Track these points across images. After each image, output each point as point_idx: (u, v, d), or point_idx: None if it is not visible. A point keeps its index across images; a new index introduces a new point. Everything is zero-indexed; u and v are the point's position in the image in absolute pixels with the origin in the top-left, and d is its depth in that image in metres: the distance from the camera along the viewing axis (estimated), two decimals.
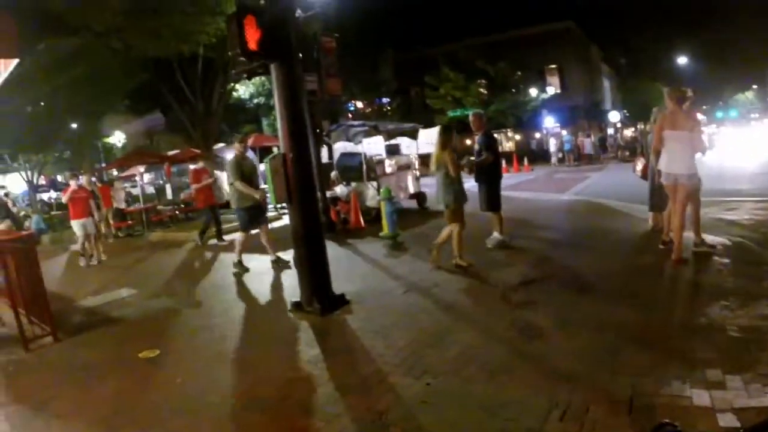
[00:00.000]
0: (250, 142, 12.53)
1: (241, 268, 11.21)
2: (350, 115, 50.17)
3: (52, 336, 8.16)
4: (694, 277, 8.05)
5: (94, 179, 20.69)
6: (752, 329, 5.79)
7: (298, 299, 8.10)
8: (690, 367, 4.98)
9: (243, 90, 37.20)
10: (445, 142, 9.77)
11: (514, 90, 48.27)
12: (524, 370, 5.37)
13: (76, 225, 14.23)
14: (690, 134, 8.50)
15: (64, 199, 14.46)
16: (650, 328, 6.13)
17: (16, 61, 7.09)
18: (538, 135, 52.92)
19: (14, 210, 19.42)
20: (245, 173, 11.06)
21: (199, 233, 15.90)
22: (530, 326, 6.56)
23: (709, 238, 9.16)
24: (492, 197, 10.80)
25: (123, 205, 21.35)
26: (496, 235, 10.90)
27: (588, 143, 43.47)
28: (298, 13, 13.06)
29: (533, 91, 48.80)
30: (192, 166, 18.70)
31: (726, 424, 4.07)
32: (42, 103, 24.38)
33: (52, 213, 31.23)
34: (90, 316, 9.29)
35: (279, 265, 11.13)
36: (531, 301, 7.53)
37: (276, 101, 7.94)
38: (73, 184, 14.45)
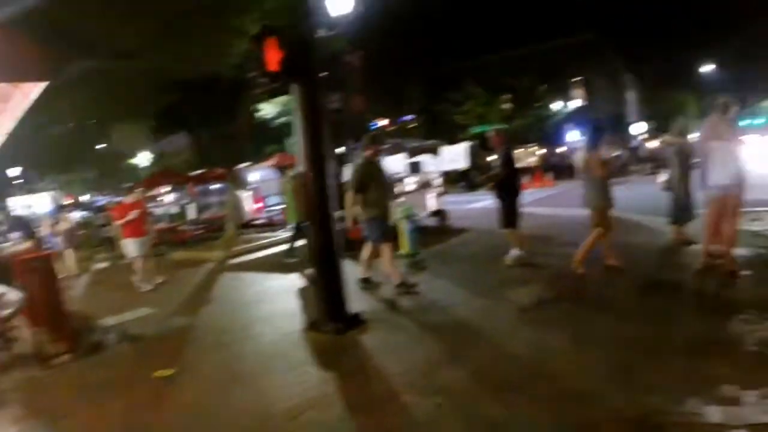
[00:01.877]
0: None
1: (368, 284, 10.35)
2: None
3: (70, 354, 8.28)
4: (715, 290, 8.00)
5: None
6: None
7: (314, 319, 8.16)
8: (705, 383, 4.95)
9: (268, 109, 37.43)
10: (593, 143, 9.85)
11: (538, 104, 48.17)
12: (536, 389, 5.34)
13: (132, 244, 13.08)
14: (734, 143, 8.43)
15: (123, 221, 13.03)
16: (667, 344, 6.11)
17: (44, 84, 7.19)
18: (562, 149, 52.70)
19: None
20: (367, 182, 9.69)
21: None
22: (545, 345, 6.53)
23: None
24: (509, 213, 10.78)
25: None
26: (514, 251, 10.85)
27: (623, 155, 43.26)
28: (323, 31, 13.16)
29: (557, 105, 48.69)
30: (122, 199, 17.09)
31: None
32: (70, 124, 24.73)
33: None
34: (109, 335, 9.34)
35: (403, 290, 9.72)
36: (546, 320, 7.50)
37: (298, 120, 8.01)
38: (130, 198, 13.56)
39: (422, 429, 4.85)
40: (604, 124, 10.90)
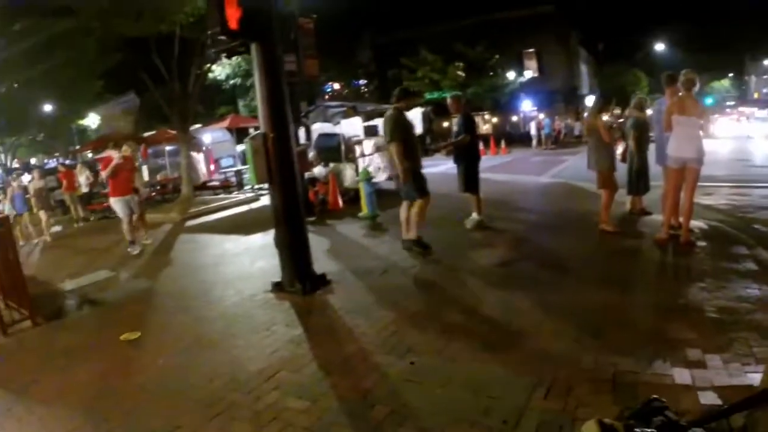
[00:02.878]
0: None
1: (420, 247, 9.45)
2: (327, 97, 49.98)
3: (30, 320, 8.04)
4: (673, 259, 8.19)
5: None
6: (729, 310, 5.91)
7: (279, 279, 8.07)
8: (670, 347, 5.06)
9: (220, 71, 36.86)
10: (598, 108, 9.99)
11: (492, 73, 48.27)
12: (507, 349, 5.39)
13: (118, 203, 12.43)
14: (699, 119, 8.63)
15: (106, 173, 12.60)
16: (630, 309, 6.21)
17: None
18: (515, 118, 52.94)
19: None
20: (405, 134, 9.33)
21: None
22: (511, 305, 6.58)
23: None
24: (470, 178, 10.83)
25: (86, 189, 21.31)
26: (474, 216, 10.93)
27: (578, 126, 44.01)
28: None
29: (511, 75, 48.86)
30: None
31: (708, 401, 4.14)
32: (15, 85, 24.06)
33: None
34: (69, 300, 9.19)
35: (415, 248, 9.47)
36: (511, 281, 7.57)
37: (256, 81, 7.88)
38: (115, 154, 12.68)
39: (397, 387, 4.83)
40: (609, 93, 10.92)
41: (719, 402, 4.09)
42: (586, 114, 11.31)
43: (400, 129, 9.17)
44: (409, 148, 9.12)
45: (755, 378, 4.26)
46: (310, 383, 5.10)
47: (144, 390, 5.46)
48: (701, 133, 8.59)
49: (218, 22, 7.10)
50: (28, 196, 17.71)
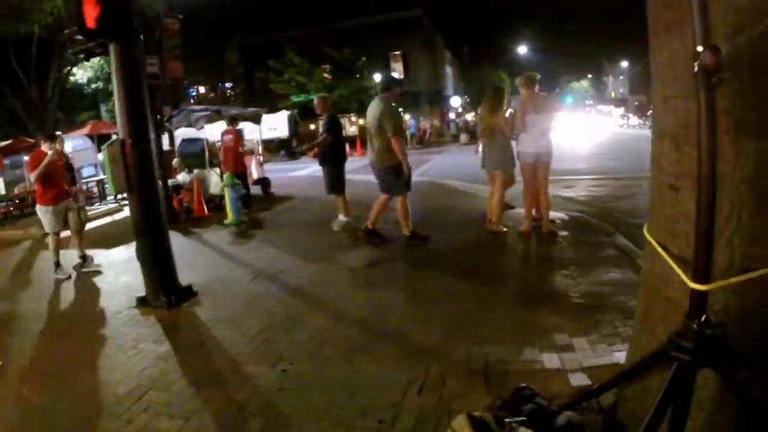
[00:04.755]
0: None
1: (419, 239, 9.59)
2: (193, 101, 49.12)
3: None
4: (537, 249, 8.69)
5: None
6: (593, 295, 6.29)
7: (143, 294, 7.78)
8: (539, 333, 5.29)
9: (81, 74, 35.49)
10: (495, 104, 9.60)
11: (358, 75, 48.68)
12: (379, 347, 5.44)
13: (49, 213, 10.01)
14: (552, 115, 9.12)
15: (35, 175, 9.67)
16: (499, 299, 6.47)
17: None
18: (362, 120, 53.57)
19: None
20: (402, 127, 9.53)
21: None
22: (382, 305, 6.65)
23: (550, 213, 9.61)
24: (336, 180, 10.92)
25: None
26: (341, 217, 10.99)
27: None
28: None
29: (377, 77, 49.38)
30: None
31: (578, 382, 4.32)
32: None
33: None
34: None
35: (416, 242, 9.55)
36: (380, 281, 7.68)
37: (114, 84, 7.51)
38: (47, 149, 9.74)
39: (272, 397, 4.74)
40: (501, 87, 10.80)
41: (589, 382, 4.26)
42: (475, 114, 11.39)
43: (398, 121, 9.29)
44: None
45: (621, 357, 4.41)
46: (181, 401, 4.90)
47: (10, 423, 5.08)
48: (549, 130, 9.04)
49: (76, 20, 6.78)
50: None
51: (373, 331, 5.92)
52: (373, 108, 9.48)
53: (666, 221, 3.06)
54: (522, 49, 71.31)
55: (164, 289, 7.60)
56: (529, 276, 7.38)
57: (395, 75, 51.67)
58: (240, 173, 14.89)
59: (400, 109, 10.22)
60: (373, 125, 9.33)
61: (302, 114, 32.80)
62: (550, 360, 4.73)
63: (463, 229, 10.08)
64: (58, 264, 10.19)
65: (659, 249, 2.99)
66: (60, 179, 10.13)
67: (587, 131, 42.39)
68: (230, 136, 16.03)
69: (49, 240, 10.38)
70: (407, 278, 7.66)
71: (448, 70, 68.54)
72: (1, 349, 6.90)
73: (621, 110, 69.92)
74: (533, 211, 9.56)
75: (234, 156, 15.57)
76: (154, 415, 4.73)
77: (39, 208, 10.25)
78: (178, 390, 5.13)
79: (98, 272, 10.09)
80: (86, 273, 10.10)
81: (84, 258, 10.40)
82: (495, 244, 9.02)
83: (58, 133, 11.34)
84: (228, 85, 58.25)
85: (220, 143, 16.91)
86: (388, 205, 9.73)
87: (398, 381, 4.62)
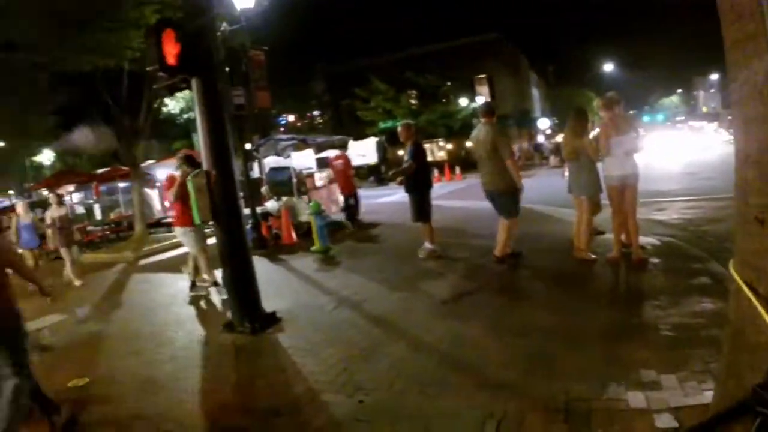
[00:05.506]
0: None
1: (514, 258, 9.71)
2: (282, 129, 49.98)
3: None
4: (626, 277, 8.26)
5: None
6: (683, 327, 5.91)
7: (230, 319, 7.96)
8: (625, 369, 5.01)
9: (173, 105, 36.55)
10: (579, 127, 9.38)
11: (444, 100, 48.69)
12: (457, 381, 5.31)
13: (191, 233, 10.25)
14: (636, 135, 8.74)
15: (171, 194, 10.07)
16: (583, 331, 6.16)
17: None
18: (469, 144, 53.20)
19: None
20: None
21: None
22: (462, 337, 6.50)
23: (640, 239, 9.25)
24: (421, 207, 10.78)
25: None
26: (427, 245, 10.87)
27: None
28: (224, 26, 12.88)
29: (463, 101, 49.29)
30: None
31: (663, 424, 4.08)
32: None
33: None
34: None
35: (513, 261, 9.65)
36: (463, 311, 7.48)
37: (197, 117, 7.77)
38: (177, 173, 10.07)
39: (347, 427, 4.73)
40: (585, 108, 10.53)
41: (675, 425, 4.04)
42: (560, 137, 11.02)
43: (509, 144, 9.41)
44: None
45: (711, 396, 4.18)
46: (258, 426, 4.98)
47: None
48: (637, 150, 8.66)
49: (157, 58, 7.01)
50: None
51: (452, 363, 5.80)
52: (480, 133, 9.54)
53: (752, 257, 2.86)
54: (608, 67, 69.63)
55: (248, 315, 7.73)
56: (617, 306, 7.01)
57: (483, 98, 51.71)
58: (350, 193, 17.13)
59: None
60: (485, 149, 9.36)
61: (390, 140, 32.98)
62: (635, 399, 4.47)
63: (550, 256, 9.80)
64: (215, 283, 10.31)
65: (745, 288, 2.81)
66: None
67: (679, 149, 41.02)
68: (341, 161, 17.67)
69: (195, 259, 10.52)
70: (489, 309, 7.44)
71: (534, 92, 68.01)
72: (90, 368, 7.21)
73: (714, 125, 67.81)
74: (622, 237, 9.25)
75: (345, 177, 17.06)
76: None
77: (178, 230, 10.53)
78: (255, 415, 5.22)
79: (203, 295, 10.33)
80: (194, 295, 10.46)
81: (194, 283, 10.72)
82: (582, 272, 8.70)
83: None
84: (315, 113, 59.05)
85: (307, 171, 17.23)
86: (516, 227, 9.69)
87: (474, 417, 4.50)
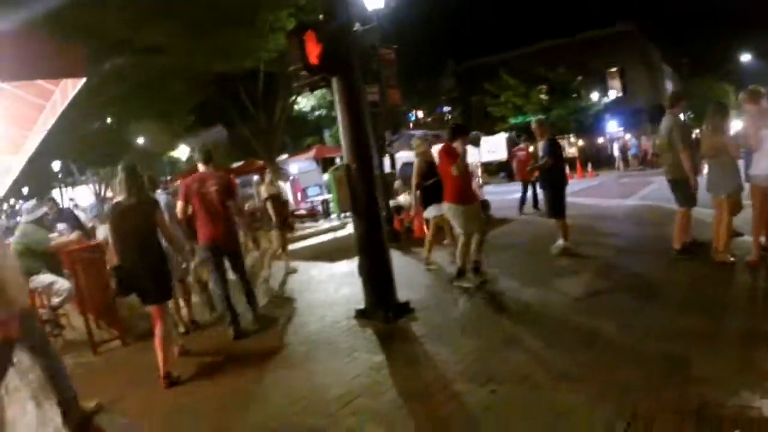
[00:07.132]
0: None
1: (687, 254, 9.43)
2: (411, 125, 50.31)
3: (120, 340, 8.59)
4: (765, 281, 7.88)
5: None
6: None
7: (363, 307, 8.20)
8: (760, 376, 4.85)
9: (305, 102, 37.47)
10: (718, 122, 8.96)
11: (575, 95, 47.76)
12: (590, 378, 5.27)
13: (462, 212, 9.42)
14: None
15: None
16: (719, 337, 5.94)
17: (83, 80, 7.28)
18: (601, 140, 52.02)
19: (84, 220, 19.37)
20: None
21: None
22: (596, 334, 6.46)
23: None
24: (556, 204, 10.73)
25: None
26: (560, 242, 10.81)
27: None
28: (357, 26, 13.20)
29: (595, 96, 48.26)
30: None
31: None
32: (108, 120, 25.04)
33: None
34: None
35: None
36: (598, 309, 7.42)
37: (338, 113, 8.10)
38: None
39: (476, 416, 4.81)
40: (725, 103, 10.17)
41: None
42: (699, 132, 10.46)
43: (688, 136, 9.44)
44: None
45: None
46: (389, 410, 5.15)
47: (223, 409, 5.70)
48: None
49: (299, 58, 7.37)
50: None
51: (584, 360, 5.73)
52: (663, 123, 9.57)
53: None
54: (745, 57, 65.69)
55: (382, 304, 7.95)
56: (755, 311, 6.73)
57: (614, 92, 50.54)
58: (528, 180, 17.92)
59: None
60: (664, 139, 9.44)
61: (521, 135, 32.73)
62: None
63: (688, 257, 9.54)
64: (477, 269, 9.54)
65: None
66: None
67: None
68: (523, 152, 19.56)
69: (461, 243, 9.49)
70: (623, 307, 7.31)
71: (668, 85, 65.67)
72: (221, 347, 7.84)
73: None
74: (761, 239, 8.85)
75: (524, 167, 17.66)
76: (361, 420, 5.03)
77: (451, 207, 9.59)
78: (386, 400, 5.39)
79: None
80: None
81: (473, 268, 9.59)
82: (719, 275, 8.30)
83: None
84: (446, 109, 59.06)
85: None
86: (689, 218, 9.50)
87: (605, 414, 4.50)
